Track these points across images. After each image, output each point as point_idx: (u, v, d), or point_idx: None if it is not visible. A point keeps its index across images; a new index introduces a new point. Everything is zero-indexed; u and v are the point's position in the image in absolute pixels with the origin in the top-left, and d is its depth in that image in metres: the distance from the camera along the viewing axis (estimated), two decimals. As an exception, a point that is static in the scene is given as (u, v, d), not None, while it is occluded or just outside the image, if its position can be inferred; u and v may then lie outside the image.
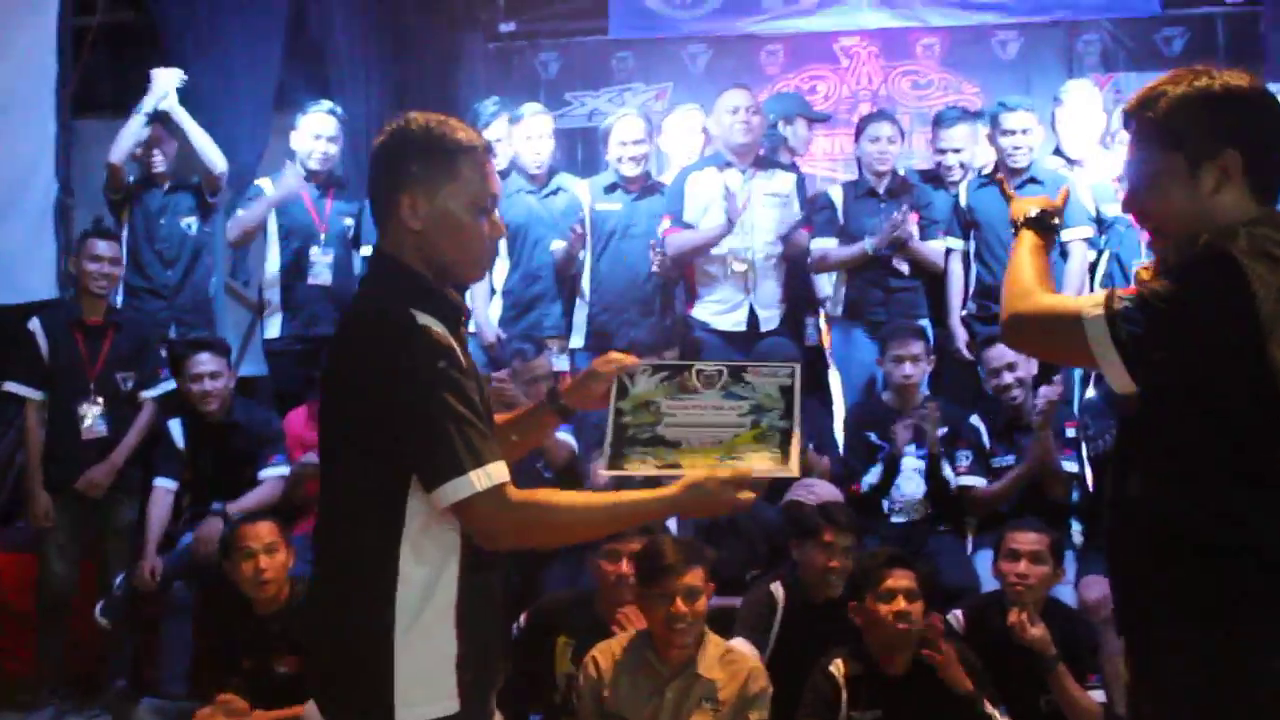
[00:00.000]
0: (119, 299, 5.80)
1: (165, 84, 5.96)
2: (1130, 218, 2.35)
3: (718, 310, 5.81)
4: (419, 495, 2.19)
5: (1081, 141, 6.01)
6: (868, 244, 5.73)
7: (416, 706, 2.19)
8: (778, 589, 4.37)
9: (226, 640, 4.48)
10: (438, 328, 2.21)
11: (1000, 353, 5.15)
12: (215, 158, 6.02)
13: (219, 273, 6.49)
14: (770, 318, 5.81)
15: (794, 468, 2.41)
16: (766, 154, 5.98)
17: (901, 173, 6.03)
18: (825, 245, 5.92)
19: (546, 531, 2.32)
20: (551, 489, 2.34)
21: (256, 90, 6.71)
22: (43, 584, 5.36)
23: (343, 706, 2.27)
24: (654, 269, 5.84)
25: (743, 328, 5.76)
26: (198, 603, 5.08)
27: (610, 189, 6.05)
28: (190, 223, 6.08)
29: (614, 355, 2.63)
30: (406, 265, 2.32)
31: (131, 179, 6.06)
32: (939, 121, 6.18)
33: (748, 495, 2.32)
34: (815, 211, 6.00)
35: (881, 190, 5.89)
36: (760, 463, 2.38)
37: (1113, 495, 2.28)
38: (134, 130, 5.93)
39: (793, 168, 6.08)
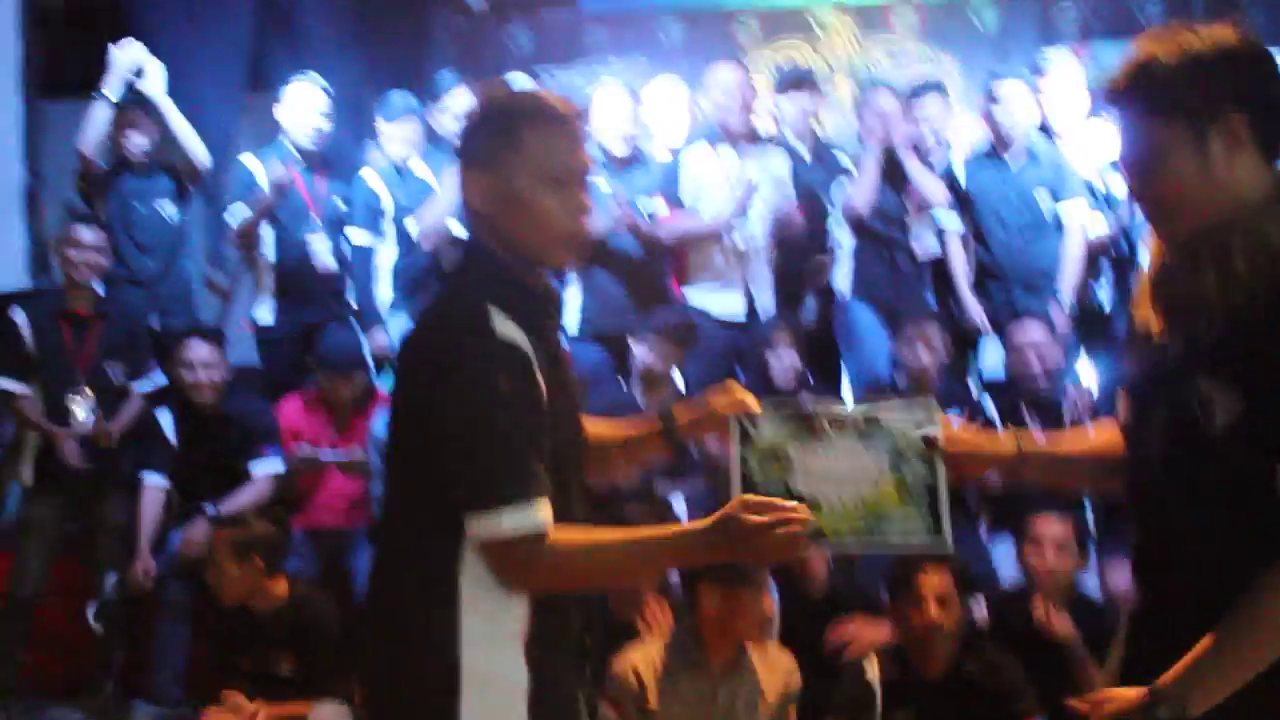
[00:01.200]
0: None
1: (125, 63, 5.72)
2: (1140, 206, 2.07)
3: (713, 294, 5.61)
4: None
5: (1065, 112, 5.89)
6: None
7: None
8: None
9: (224, 641, 4.36)
10: (514, 333, 1.99)
11: (1026, 329, 5.04)
12: (198, 149, 5.82)
13: (198, 260, 6.31)
14: (765, 301, 5.65)
15: (947, 542, 2.19)
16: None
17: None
18: None
19: (574, 582, 2.08)
20: (588, 529, 2.05)
21: (227, 68, 6.53)
22: (15, 581, 5.08)
23: None
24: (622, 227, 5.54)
25: (741, 315, 5.59)
26: (194, 603, 4.87)
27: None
28: (168, 209, 5.88)
29: (734, 386, 2.34)
30: (490, 251, 2.10)
31: (105, 164, 5.83)
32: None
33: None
34: None
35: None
36: (911, 536, 2.19)
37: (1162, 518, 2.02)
38: (99, 115, 5.67)
39: (784, 145, 5.89)
